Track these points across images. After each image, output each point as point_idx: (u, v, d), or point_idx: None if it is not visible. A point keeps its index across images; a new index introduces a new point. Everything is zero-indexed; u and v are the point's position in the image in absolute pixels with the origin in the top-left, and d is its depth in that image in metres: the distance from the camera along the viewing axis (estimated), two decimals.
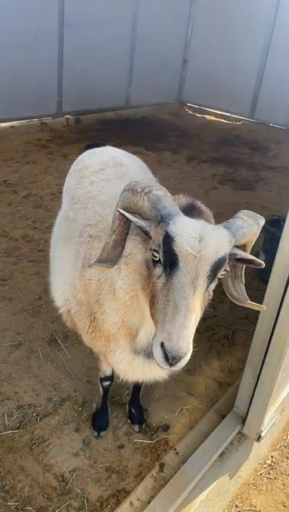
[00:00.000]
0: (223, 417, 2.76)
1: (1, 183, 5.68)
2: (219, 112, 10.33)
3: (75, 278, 2.07)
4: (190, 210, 1.59)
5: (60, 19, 7.69)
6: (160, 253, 1.51)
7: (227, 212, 6.00)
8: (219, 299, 3.73)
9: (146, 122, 9.47)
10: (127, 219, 1.63)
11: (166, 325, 1.43)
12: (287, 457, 2.80)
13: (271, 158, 8.13)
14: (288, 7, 8.96)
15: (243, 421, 2.67)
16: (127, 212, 1.61)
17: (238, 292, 1.74)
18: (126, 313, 1.82)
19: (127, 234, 1.72)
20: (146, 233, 1.59)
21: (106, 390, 2.63)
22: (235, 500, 2.49)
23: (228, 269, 1.57)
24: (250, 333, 2.73)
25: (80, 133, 8.05)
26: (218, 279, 1.56)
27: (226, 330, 3.65)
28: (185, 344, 1.41)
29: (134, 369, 1.98)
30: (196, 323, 1.51)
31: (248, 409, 2.62)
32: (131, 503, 2.25)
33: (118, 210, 1.63)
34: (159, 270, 1.53)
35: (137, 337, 1.87)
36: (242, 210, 1.67)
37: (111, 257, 1.73)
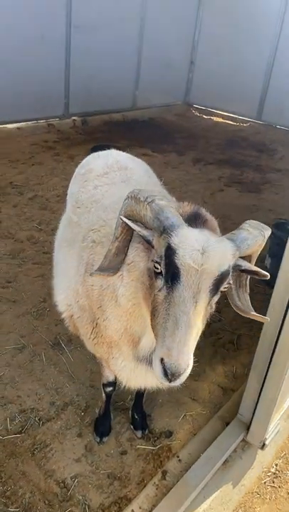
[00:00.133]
0: (227, 423, 2.74)
1: (7, 184, 5.68)
2: (226, 114, 10.29)
3: (77, 283, 2.05)
4: (194, 219, 1.55)
5: (68, 21, 7.70)
6: (162, 265, 1.48)
7: (233, 215, 5.97)
8: (224, 303, 3.69)
9: (152, 124, 9.45)
10: (130, 226, 1.60)
11: (166, 340, 1.41)
12: None
13: (278, 160, 8.07)
14: None
15: (247, 428, 2.63)
16: (130, 220, 1.58)
17: (243, 302, 1.70)
18: (128, 321, 1.80)
19: (130, 241, 1.70)
20: (148, 242, 1.56)
21: (109, 395, 2.61)
22: (239, 509, 2.46)
23: (231, 282, 1.54)
24: (255, 338, 2.70)
25: (86, 134, 8.05)
26: (221, 291, 1.53)
27: (231, 335, 3.61)
28: (184, 361, 1.39)
29: (136, 376, 1.96)
30: (198, 338, 1.48)
31: (253, 416, 2.58)
32: None
33: (120, 218, 1.61)
34: (160, 283, 1.50)
35: (140, 344, 1.84)
36: (247, 221, 1.63)
37: (113, 265, 1.70)
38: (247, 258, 1.61)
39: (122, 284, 1.74)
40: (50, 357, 3.16)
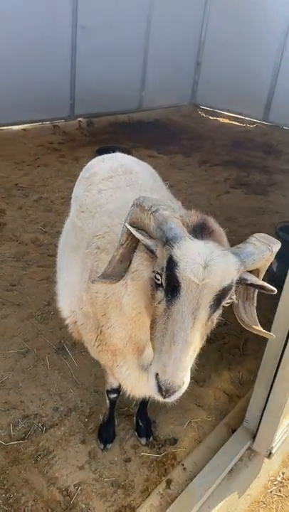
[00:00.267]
0: (233, 431, 2.69)
1: (13, 186, 5.67)
2: (232, 115, 10.24)
3: (82, 290, 2.02)
4: (200, 230, 1.50)
5: (73, 21, 7.68)
6: (163, 277, 1.44)
7: (239, 217, 5.90)
8: (230, 306, 3.65)
9: (158, 125, 9.41)
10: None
11: (162, 356, 1.37)
12: None
13: (285, 161, 8.01)
14: None
15: (254, 436, 2.59)
16: (135, 227, 1.55)
17: (249, 316, 1.66)
18: (133, 329, 1.77)
19: (136, 248, 1.66)
20: (152, 252, 1.53)
21: (113, 402, 2.58)
22: None
23: (234, 296, 1.49)
24: (262, 343, 2.65)
25: (92, 136, 8.03)
26: (224, 306, 1.48)
27: (237, 339, 3.57)
28: (179, 378, 1.35)
29: (141, 385, 1.93)
30: (195, 354, 1.45)
31: (259, 424, 2.54)
32: None
33: (125, 225, 1.57)
34: (160, 295, 1.46)
35: (144, 353, 1.81)
36: (255, 234, 1.57)
37: (117, 271, 1.67)
38: (255, 272, 1.56)
39: (126, 292, 1.71)
40: (54, 361, 3.13)
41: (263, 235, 1.58)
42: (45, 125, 7.93)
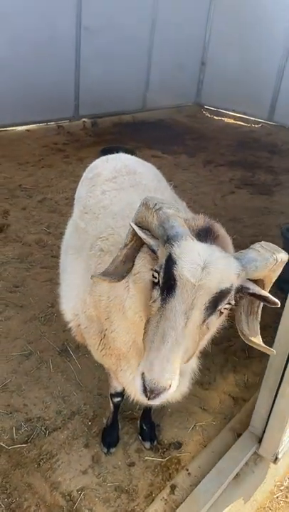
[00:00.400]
0: (239, 435, 2.65)
1: (17, 187, 5.66)
2: (237, 115, 10.18)
3: (85, 293, 1.99)
4: (205, 234, 1.47)
5: (78, 22, 7.67)
6: (160, 275, 1.41)
7: (244, 218, 5.85)
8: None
9: (163, 125, 9.38)
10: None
11: (151, 354, 1.33)
12: None
13: None
14: None
15: (259, 441, 2.55)
16: (139, 227, 1.52)
17: (251, 329, 1.62)
18: (137, 333, 1.73)
19: (140, 250, 1.63)
20: (153, 252, 1.50)
21: (117, 405, 2.54)
22: None
23: (232, 302, 1.45)
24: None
25: (96, 136, 8.01)
26: (221, 312, 1.44)
27: (243, 342, 3.51)
28: (165, 379, 1.30)
29: None
30: (187, 357, 1.40)
31: (265, 428, 2.50)
32: None
33: (130, 224, 1.55)
34: (156, 293, 1.43)
35: None
36: (261, 242, 1.54)
37: (119, 271, 1.64)
38: (259, 283, 1.52)
39: (128, 295, 1.68)
40: (57, 364, 3.11)
41: (269, 243, 1.54)
42: (50, 126, 7.92)
